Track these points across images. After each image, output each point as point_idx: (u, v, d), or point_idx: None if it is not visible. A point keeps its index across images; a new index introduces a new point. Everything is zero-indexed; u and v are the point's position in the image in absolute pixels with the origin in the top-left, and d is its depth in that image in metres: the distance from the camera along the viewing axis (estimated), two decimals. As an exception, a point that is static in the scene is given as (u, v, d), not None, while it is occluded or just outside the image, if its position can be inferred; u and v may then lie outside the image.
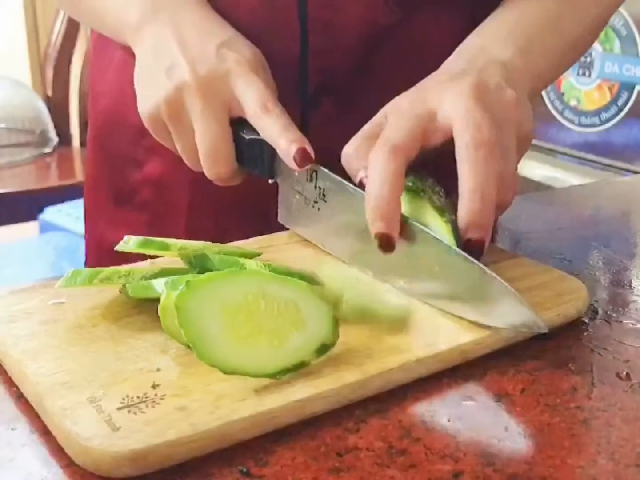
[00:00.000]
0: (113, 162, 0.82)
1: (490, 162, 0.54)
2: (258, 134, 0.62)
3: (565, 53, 0.70)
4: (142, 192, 0.79)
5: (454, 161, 0.56)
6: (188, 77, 0.61)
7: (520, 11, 0.67)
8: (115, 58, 0.80)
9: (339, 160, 0.62)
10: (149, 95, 0.64)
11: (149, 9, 0.67)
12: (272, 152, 0.62)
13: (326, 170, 0.61)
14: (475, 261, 0.53)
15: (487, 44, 0.64)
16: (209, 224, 0.77)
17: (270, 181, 0.65)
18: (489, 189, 0.54)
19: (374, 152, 0.56)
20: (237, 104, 0.62)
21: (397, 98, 0.61)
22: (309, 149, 0.59)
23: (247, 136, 0.63)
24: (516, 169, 0.59)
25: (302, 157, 0.59)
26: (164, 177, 0.77)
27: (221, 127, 0.62)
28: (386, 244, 0.54)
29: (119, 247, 0.58)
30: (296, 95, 0.71)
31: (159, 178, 0.78)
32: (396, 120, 0.58)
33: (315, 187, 0.62)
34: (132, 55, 0.72)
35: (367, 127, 0.61)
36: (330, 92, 0.72)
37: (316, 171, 0.61)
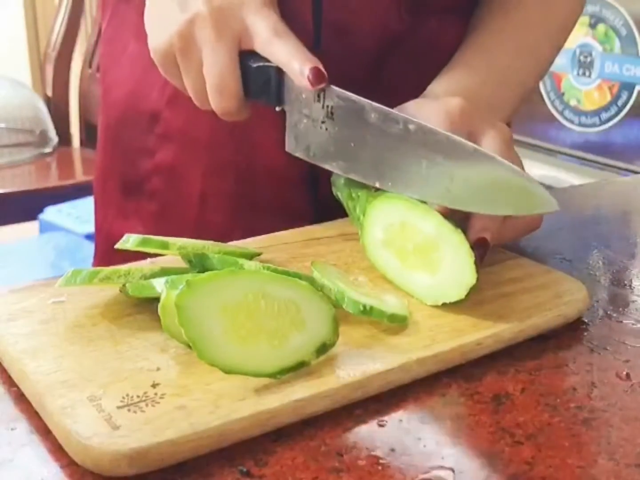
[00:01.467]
0: (125, 152, 0.81)
1: None
2: (265, 62, 0.62)
3: (524, 97, 0.74)
4: (153, 180, 0.79)
5: None
6: (202, 7, 0.61)
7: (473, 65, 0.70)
8: (129, 48, 0.79)
9: None
10: (162, 29, 0.64)
11: None
12: (279, 78, 0.62)
13: (335, 88, 0.60)
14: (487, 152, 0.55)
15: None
16: (219, 216, 0.76)
17: (277, 109, 0.64)
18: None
19: None
20: (247, 35, 0.62)
21: (429, 104, 0.62)
22: (322, 68, 0.59)
23: (254, 64, 0.63)
24: None
25: (316, 76, 0.59)
26: (176, 166, 0.77)
27: (230, 59, 0.62)
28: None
29: (119, 245, 0.58)
30: None
31: (171, 167, 0.77)
32: (444, 124, 0.59)
33: (323, 106, 0.62)
34: (145, 44, 0.72)
35: None
36: None
37: (324, 90, 0.61)
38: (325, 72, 0.59)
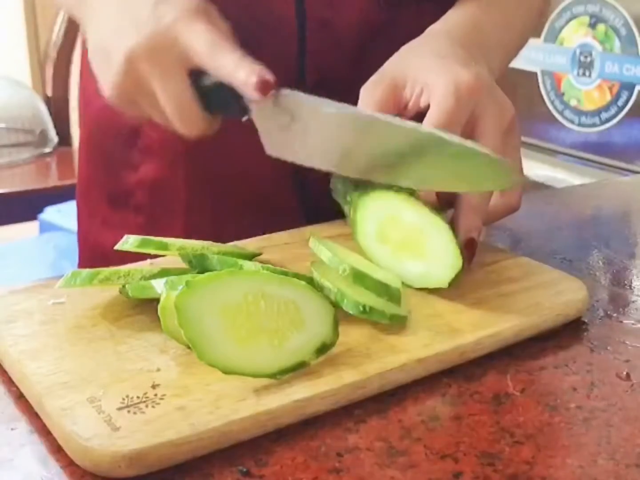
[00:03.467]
0: (107, 163, 0.81)
1: None
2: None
3: (515, 49, 0.75)
4: (138, 194, 0.79)
5: None
6: (134, 43, 0.60)
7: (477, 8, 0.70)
8: None
9: None
10: (106, 73, 0.63)
11: None
12: (237, 91, 0.61)
13: (287, 90, 0.59)
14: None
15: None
16: (206, 223, 0.77)
17: (243, 119, 0.63)
18: (484, 205, 0.59)
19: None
20: (187, 55, 0.60)
21: (429, 63, 0.62)
22: (268, 75, 0.58)
23: (208, 81, 0.61)
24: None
25: (263, 85, 0.57)
26: (160, 179, 0.77)
27: (179, 86, 0.61)
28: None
29: (118, 246, 0.58)
30: None
31: (155, 180, 0.77)
32: (450, 104, 0.59)
33: (282, 109, 0.61)
34: None
35: (389, 81, 0.62)
36: (326, 91, 0.72)
37: (278, 95, 0.60)
38: (271, 79, 0.58)
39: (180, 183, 0.75)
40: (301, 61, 0.72)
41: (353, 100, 0.64)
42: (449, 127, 0.58)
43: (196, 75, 0.61)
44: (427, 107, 0.60)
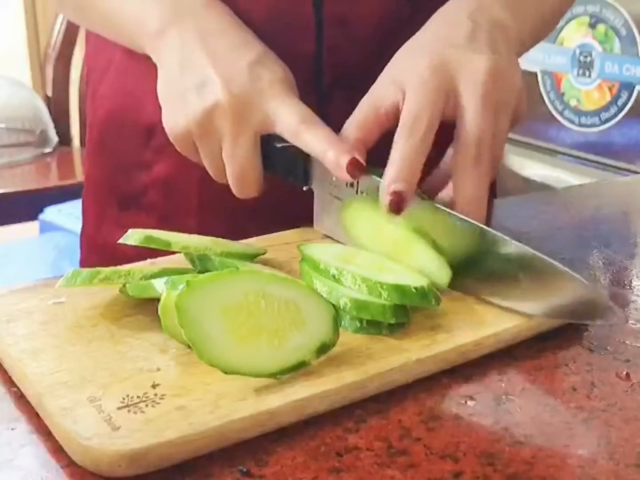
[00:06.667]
0: (118, 164, 0.80)
1: (485, 163, 0.58)
2: (289, 142, 0.61)
3: (543, 23, 0.73)
4: (150, 194, 0.78)
5: None
6: (221, 96, 0.60)
7: None
8: (115, 59, 0.79)
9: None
10: (178, 113, 0.63)
11: (170, 14, 0.65)
12: (306, 158, 0.62)
13: (369, 177, 0.59)
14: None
15: (484, 3, 0.65)
16: (220, 223, 0.76)
17: (304, 188, 0.64)
18: (483, 194, 0.58)
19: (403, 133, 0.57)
20: (269, 122, 0.61)
21: (407, 61, 0.62)
22: (360, 157, 0.58)
23: (279, 144, 0.61)
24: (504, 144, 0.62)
25: (355, 168, 0.57)
26: (173, 178, 0.77)
27: (250, 151, 0.61)
28: (397, 203, 0.55)
29: (122, 240, 0.57)
30: (311, 92, 0.71)
31: (168, 179, 0.77)
32: (420, 95, 0.58)
33: (357, 191, 0.61)
34: (134, 56, 0.71)
35: (370, 101, 0.61)
36: (344, 88, 0.72)
37: None
38: (363, 162, 0.58)
39: (193, 182, 0.75)
40: (318, 58, 0.71)
41: None
42: (427, 112, 0.57)
43: (266, 137, 0.61)
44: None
